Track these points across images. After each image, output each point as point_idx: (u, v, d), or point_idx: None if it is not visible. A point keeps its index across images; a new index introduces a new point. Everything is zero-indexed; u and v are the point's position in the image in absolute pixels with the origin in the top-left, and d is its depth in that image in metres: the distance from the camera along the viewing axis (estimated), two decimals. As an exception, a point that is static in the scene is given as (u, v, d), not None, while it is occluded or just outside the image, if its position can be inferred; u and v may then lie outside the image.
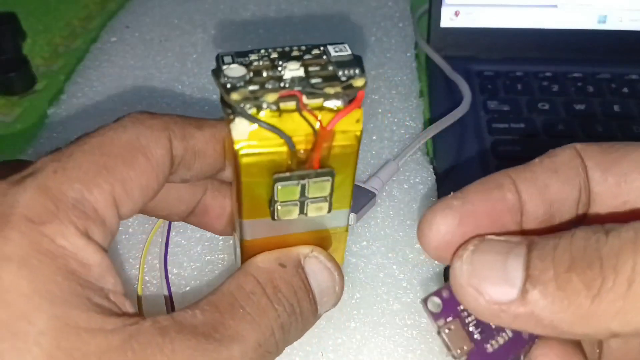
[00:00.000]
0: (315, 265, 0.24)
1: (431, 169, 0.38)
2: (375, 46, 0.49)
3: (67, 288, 0.19)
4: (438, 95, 0.46)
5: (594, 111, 0.43)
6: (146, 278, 0.32)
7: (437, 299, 0.21)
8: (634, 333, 0.17)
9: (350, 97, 0.21)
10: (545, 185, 0.21)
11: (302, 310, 0.23)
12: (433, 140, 0.41)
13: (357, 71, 0.21)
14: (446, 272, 0.21)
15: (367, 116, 0.42)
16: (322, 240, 0.26)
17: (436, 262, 0.22)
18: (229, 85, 0.20)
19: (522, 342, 0.21)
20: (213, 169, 0.25)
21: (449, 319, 0.20)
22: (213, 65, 0.22)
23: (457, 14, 0.48)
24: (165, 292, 0.31)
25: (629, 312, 0.16)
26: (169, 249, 0.33)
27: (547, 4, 0.47)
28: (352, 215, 0.34)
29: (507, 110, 0.43)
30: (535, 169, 0.21)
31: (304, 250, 0.25)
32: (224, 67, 0.21)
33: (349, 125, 0.21)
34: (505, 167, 0.41)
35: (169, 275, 0.32)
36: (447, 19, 0.48)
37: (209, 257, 0.33)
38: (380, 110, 0.43)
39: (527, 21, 0.48)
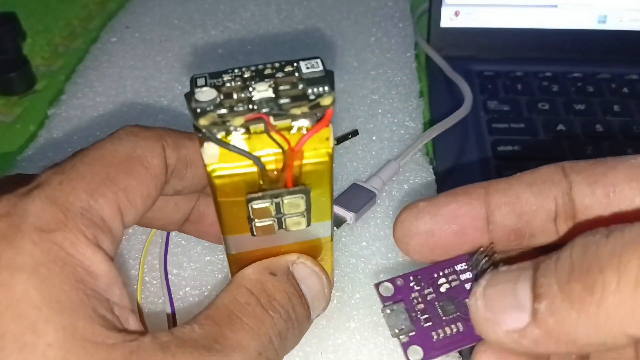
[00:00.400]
0: (304, 271, 0.25)
1: (431, 169, 0.38)
2: (375, 46, 0.49)
3: (75, 297, 0.19)
4: (438, 95, 0.46)
5: (594, 111, 0.43)
6: (146, 278, 0.32)
7: (389, 285, 0.22)
8: None
9: (319, 115, 0.21)
10: (517, 197, 0.22)
11: (297, 316, 0.24)
12: (433, 141, 0.41)
13: (326, 88, 0.21)
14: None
15: (367, 116, 0.42)
16: (307, 251, 0.26)
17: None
18: (198, 110, 0.21)
19: (474, 337, 0.21)
20: (204, 179, 0.25)
21: (396, 302, 0.22)
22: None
23: (457, 14, 0.48)
24: (166, 292, 0.31)
25: None
26: (168, 250, 0.33)
27: (547, 4, 0.47)
28: (351, 215, 0.34)
29: (507, 110, 0.43)
30: (512, 181, 0.22)
31: (291, 257, 0.25)
32: (196, 90, 0.21)
33: (319, 144, 0.21)
34: (505, 167, 0.41)
35: (169, 276, 0.32)
36: (447, 19, 0.48)
37: (208, 258, 0.33)
38: (380, 110, 0.43)
39: (527, 21, 0.48)
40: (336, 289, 0.31)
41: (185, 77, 0.46)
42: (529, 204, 0.22)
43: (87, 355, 0.18)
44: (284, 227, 0.24)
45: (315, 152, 0.21)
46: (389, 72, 0.46)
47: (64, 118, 0.43)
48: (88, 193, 0.21)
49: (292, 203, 0.23)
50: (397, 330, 0.22)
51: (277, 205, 0.22)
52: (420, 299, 0.22)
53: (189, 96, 0.21)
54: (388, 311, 0.22)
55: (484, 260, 0.23)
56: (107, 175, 0.22)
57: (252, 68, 0.22)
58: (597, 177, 0.21)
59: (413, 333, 0.22)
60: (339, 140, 0.39)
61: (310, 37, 0.51)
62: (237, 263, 0.26)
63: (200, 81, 0.22)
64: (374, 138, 0.41)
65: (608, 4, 0.47)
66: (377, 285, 0.22)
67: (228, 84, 0.22)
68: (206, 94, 0.21)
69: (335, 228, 0.33)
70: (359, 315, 0.30)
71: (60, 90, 0.46)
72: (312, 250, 0.26)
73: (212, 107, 0.21)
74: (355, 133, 0.40)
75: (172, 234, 0.34)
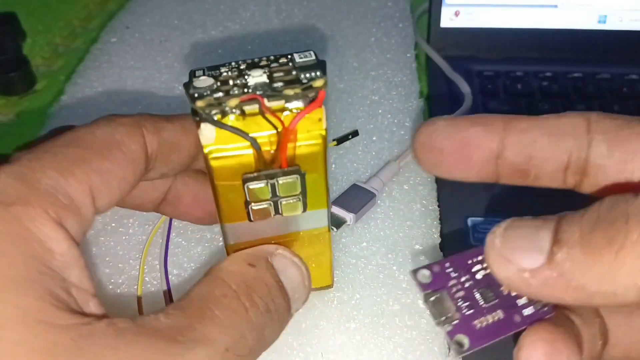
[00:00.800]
0: (283, 262, 0.25)
1: (431, 170, 0.38)
2: (375, 46, 0.49)
3: (26, 272, 0.18)
4: (438, 95, 0.46)
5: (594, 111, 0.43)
6: (146, 279, 0.32)
7: (426, 271, 0.21)
8: None
9: (311, 97, 0.22)
10: (533, 141, 0.21)
11: (277, 308, 0.23)
12: (433, 141, 0.41)
13: (318, 73, 0.22)
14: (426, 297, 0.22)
15: (367, 117, 0.42)
16: (304, 241, 0.26)
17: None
18: (196, 95, 0.22)
19: (513, 325, 0.21)
20: (188, 160, 0.26)
21: (438, 290, 0.21)
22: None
23: (457, 14, 0.48)
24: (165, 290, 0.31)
25: None
26: (169, 250, 0.33)
27: (547, 4, 0.47)
28: (351, 215, 0.34)
29: (507, 110, 0.43)
30: (533, 123, 0.22)
31: (270, 248, 0.25)
32: (194, 79, 0.22)
33: (312, 125, 0.22)
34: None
35: (169, 277, 0.32)
36: (447, 19, 0.48)
37: (209, 258, 0.33)
38: (380, 111, 0.43)
39: (527, 21, 0.48)
40: (336, 289, 0.31)
41: (185, 78, 0.46)
42: (543, 151, 0.21)
43: (31, 334, 0.18)
44: (279, 211, 0.24)
45: (308, 133, 0.22)
46: (389, 73, 0.46)
47: (64, 118, 0.43)
48: (57, 171, 0.20)
49: (287, 184, 0.23)
50: (443, 319, 0.21)
51: (273, 187, 0.23)
52: (459, 286, 0.21)
53: (187, 85, 0.22)
54: (432, 299, 0.21)
55: None
56: (80, 156, 0.21)
57: (248, 61, 0.23)
58: (619, 140, 0.20)
59: (457, 321, 0.21)
60: (340, 140, 0.39)
61: (310, 37, 0.51)
62: None
63: (199, 72, 0.23)
64: (374, 138, 0.41)
65: (608, 4, 0.47)
66: (414, 272, 0.21)
67: (225, 74, 0.23)
68: (203, 81, 0.22)
69: (335, 229, 0.33)
70: (359, 316, 0.30)
71: (60, 90, 0.46)
72: (309, 241, 0.27)
73: (208, 92, 0.22)
74: (355, 134, 0.40)
75: (173, 234, 0.34)
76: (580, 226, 0.18)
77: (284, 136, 0.22)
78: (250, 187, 0.23)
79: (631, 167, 0.20)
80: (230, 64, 0.23)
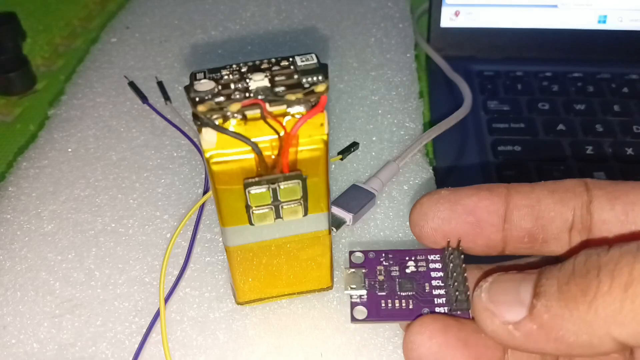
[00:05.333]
0: None
1: (431, 170, 0.38)
2: (375, 47, 0.49)
3: None
4: (438, 95, 0.46)
5: (594, 111, 0.43)
6: (146, 279, 0.32)
7: (361, 254, 0.25)
8: (634, 339, 0.17)
9: (313, 102, 0.22)
10: (537, 200, 0.22)
11: None
12: (433, 141, 0.41)
13: (320, 77, 0.22)
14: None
15: (367, 117, 0.42)
16: (304, 244, 0.27)
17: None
18: (197, 99, 0.22)
19: (416, 316, 0.23)
20: None
21: (360, 269, 0.24)
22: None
23: (457, 14, 0.48)
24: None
25: (626, 315, 0.17)
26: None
27: (547, 4, 0.47)
28: (351, 216, 0.34)
29: (507, 110, 0.43)
30: (535, 186, 0.23)
31: None
32: (195, 82, 0.22)
33: (314, 129, 0.22)
34: (506, 166, 0.41)
35: (168, 277, 0.32)
36: (447, 19, 0.48)
37: (208, 259, 0.33)
38: (380, 111, 0.43)
39: (527, 21, 0.48)
40: (336, 290, 0.31)
41: (185, 78, 0.46)
42: (548, 209, 0.22)
43: None
44: (281, 215, 0.24)
45: (310, 138, 0.22)
46: (389, 73, 0.46)
47: (64, 118, 0.43)
48: None
49: (289, 189, 0.23)
50: (349, 288, 0.24)
51: (274, 192, 0.23)
52: (383, 273, 0.24)
53: (188, 88, 0.22)
54: (349, 272, 0.24)
55: (451, 257, 0.24)
56: None
57: (250, 63, 0.23)
58: (619, 194, 0.21)
59: (364, 296, 0.24)
60: (342, 153, 0.39)
61: (310, 37, 0.51)
62: (236, 257, 0.26)
63: (200, 75, 0.23)
64: (373, 139, 0.41)
65: (608, 4, 0.47)
66: (350, 253, 0.25)
67: (226, 77, 0.23)
68: (204, 85, 0.22)
69: (334, 229, 0.33)
70: (359, 316, 0.30)
71: (60, 90, 0.46)
72: (309, 243, 0.27)
73: (210, 96, 0.22)
74: (355, 146, 0.40)
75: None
76: (558, 278, 0.19)
77: (286, 141, 0.22)
78: (252, 192, 0.23)
79: (632, 218, 0.21)
80: (231, 66, 0.23)
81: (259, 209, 0.24)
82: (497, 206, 0.23)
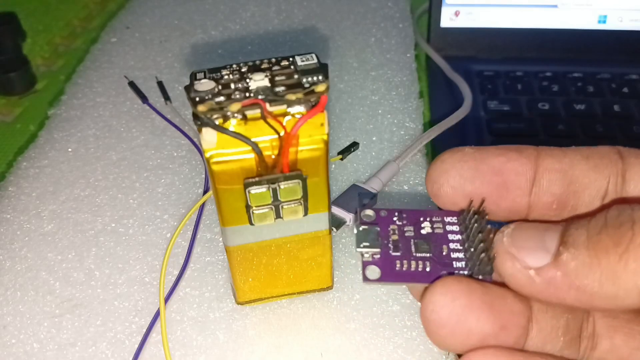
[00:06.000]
0: None
1: (431, 170, 0.38)
2: (375, 47, 0.49)
3: None
4: (438, 95, 0.46)
5: (594, 111, 0.43)
6: (146, 279, 0.32)
7: (371, 212, 0.22)
8: None
9: (313, 102, 0.22)
10: (571, 165, 0.21)
11: None
12: (433, 141, 0.41)
13: (320, 77, 0.22)
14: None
15: (367, 117, 0.42)
16: (305, 244, 0.27)
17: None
18: (197, 99, 0.22)
19: (437, 278, 0.21)
20: None
21: (373, 226, 0.22)
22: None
23: (457, 14, 0.48)
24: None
25: None
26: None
27: (547, 4, 0.47)
28: (351, 216, 0.34)
29: (507, 110, 0.43)
30: (567, 150, 0.21)
31: None
32: (195, 82, 0.22)
33: (314, 129, 0.22)
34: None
35: (169, 277, 0.32)
36: (447, 19, 0.48)
37: (208, 259, 0.33)
38: (380, 111, 0.43)
39: (527, 21, 0.48)
40: (336, 290, 0.31)
41: (186, 78, 0.46)
42: (582, 175, 0.21)
43: None
44: (281, 215, 0.24)
45: (310, 138, 0.22)
46: (389, 73, 0.46)
47: (64, 118, 0.43)
48: None
49: (289, 189, 0.23)
50: (362, 245, 0.21)
51: (274, 192, 0.23)
52: (397, 232, 0.22)
53: (188, 88, 0.22)
54: (361, 228, 0.22)
55: (474, 219, 0.22)
56: None
57: (250, 63, 0.23)
58: None
59: (378, 254, 0.21)
60: (342, 153, 0.39)
61: (310, 37, 0.51)
62: (236, 257, 0.27)
63: (200, 75, 0.23)
64: (373, 139, 0.41)
65: (608, 4, 0.47)
66: (359, 210, 0.22)
67: (226, 77, 0.23)
68: (205, 84, 0.22)
69: (334, 229, 0.33)
70: (359, 316, 0.30)
71: (60, 90, 0.46)
72: (310, 243, 0.27)
73: (210, 96, 0.22)
74: (355, 146, 0.40)
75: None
76: (588, 229, 0.18)
77: (286, 141, 0.22)
78: (252, 191, 0.23)
79: None
80: (231, 66, 0.23)
81: (259, 209, 0.24)
82: (525, 167, 0.21)
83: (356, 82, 0.46)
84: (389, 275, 0.21)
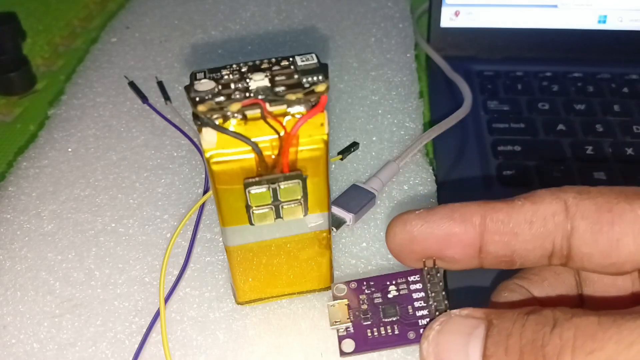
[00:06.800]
0: None
1: (431, 170, 0.38)
2: (375, 47, 0.49)
3: None
4: (438, 95, 0.46)
5: (594, 111, 0.43)
6: (146, 279, 0.32)
7: (343, 286, 0.25)
8: None
9: (313, 102, 0.22)
10: (515, 234, 0.22)
11: None
12: (433, 141, 0.41)
13: (320, 77, 0.22)
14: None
15: (367, 117, 0.42)
16: (304, 244, 0.27)
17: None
18: (197, 99, 0.22)
19: (406, 340, 0.23)
20: None
21: (343, 301, 0.25)
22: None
23: (457, 14, 0.48)
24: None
25: None
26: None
27: (547, 4, 0.47)
28: (351, 216, 0.34)
29: (507, 110, 0.43)
30: (512, 213, 0.22)
31: None
32: (195, 82, 0.22)
33: (314, 129, 0.22)
34: (506, 166, 0.41)
35: (169, 277, 0.32)
36: (447, 19, 0.48)
37: (208, 259, 0.33)
38: (380, 111, 0.43)
39: (527, 21, 0.48)
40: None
41: (186, 78, 0.46)
42: (526, 243, 0.22)
43: None
44: (281, 215, 0.24)
45: (310, 138, 0.22)
46: (389, 73, 0.46)
47: (64, 118, 0.43)
48: None
49: (289, 189, 0.23)
50: (335, 322, 0.24)
51: (274, 192, 0.23)
52: (367, 301, 0.25)
53: (188, 88, 0.22)
54: (331, 306, 0.24)
55: (428, 276, 0.24)
56: None
57: (250, 63, 0.23)
58: (602, 226, 0.20)
59: (350, 328, 0.24)
60: (342, 153, 0.39)
61: (310, 37, 0.51)
62: (236, 257, 0.27)
63: (200, 75, 0.23)
64: (373, 139, 0.41)
65: (608, 4, 0.47)
66: (332, 285, 0.25)
67: (226, 77, 0.23)
68: (205, 84, 0.22)
69: (334, 229, 0.33)
70: (359, 316, 0.30)
71: (60, 90, 0.46)
72: (309, 243, 0.27)
73: (210, 96, 0.22)
74: (355, 146, 0.40)
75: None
76: (506, 353, 0.19)
77: (286, 141, 0.22)
78: (252, 191, 0.23)
79: (616, 253, 0.20)
80: (231, 66, 0.23)
81: (259, 209, 0.24)
82: (471, 239, 0.22)
83: (356, 82, 0.46)
84: (363, 345, 0.23)
